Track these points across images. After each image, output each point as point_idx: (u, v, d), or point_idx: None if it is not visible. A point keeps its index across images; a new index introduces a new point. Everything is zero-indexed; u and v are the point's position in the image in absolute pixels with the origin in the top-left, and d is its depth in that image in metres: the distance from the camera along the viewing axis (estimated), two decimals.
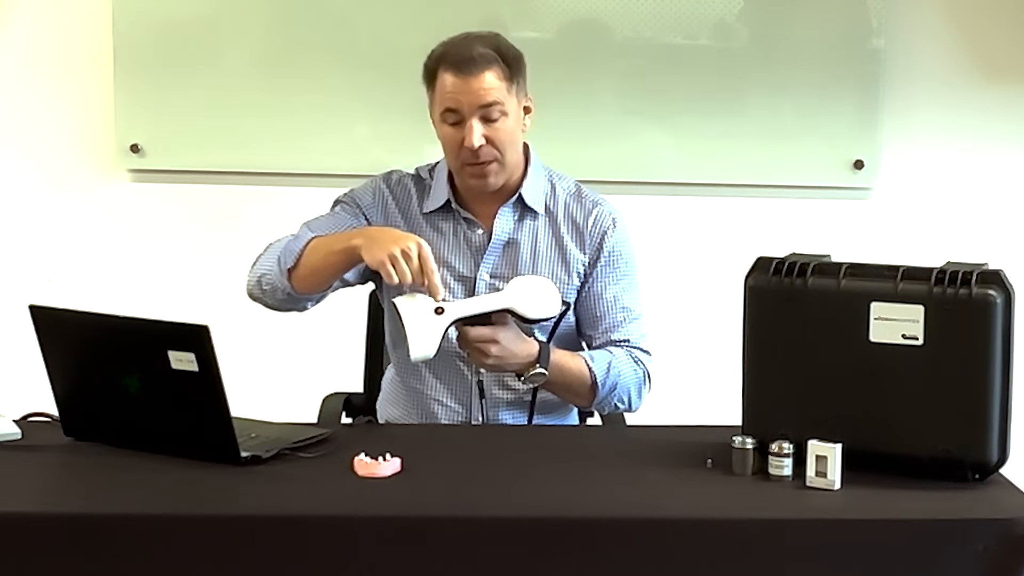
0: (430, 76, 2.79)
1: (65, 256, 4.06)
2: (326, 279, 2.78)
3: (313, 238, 2.77)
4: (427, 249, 2.62)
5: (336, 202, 2.92)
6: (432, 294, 2.60)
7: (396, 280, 2.58)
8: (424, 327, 2.58)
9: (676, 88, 3.99)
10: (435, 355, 2.61)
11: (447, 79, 2.75)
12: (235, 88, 3.98)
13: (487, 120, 2.74)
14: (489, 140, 2.75)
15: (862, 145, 4.00)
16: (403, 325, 2.58)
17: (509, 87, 2.77)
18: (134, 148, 3.99)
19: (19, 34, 3.98)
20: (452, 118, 2.75)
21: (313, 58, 3.98)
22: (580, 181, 2.96)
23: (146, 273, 4.04)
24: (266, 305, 2.86)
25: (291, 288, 2.78)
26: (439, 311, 2.60)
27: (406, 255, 2.60)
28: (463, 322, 2.63)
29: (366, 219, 2.87)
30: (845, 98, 3.99)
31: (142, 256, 4.05)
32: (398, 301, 2.62)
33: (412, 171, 2.93)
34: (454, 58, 2.75)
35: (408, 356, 2.60)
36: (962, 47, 4.02)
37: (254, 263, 2.84)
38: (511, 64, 2.78)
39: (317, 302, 2.86)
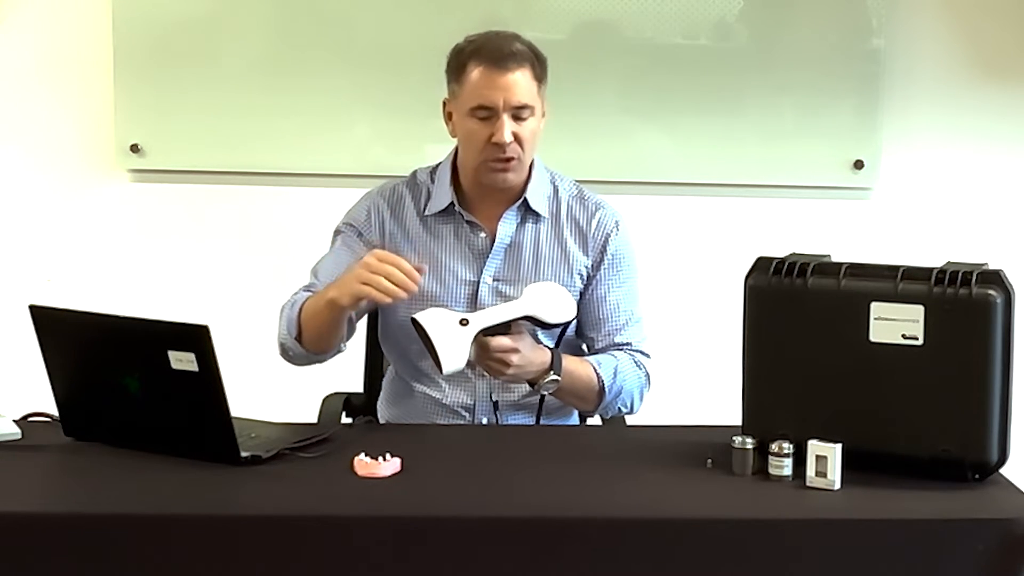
0: (459, 69, 2.78)
1: (65, 256, 4.06)
2: (331, 336, 2.76)
3: (303, 304, 2.76)
4: (382, 252, 2.64)
5: (335, 233, 2.91)
6: (411, 277, 2.59)
7: (387, 299, 2.58)
8: (452, 341, 2.60)
9: (676, 88, 3.99)
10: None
11: (481, 73, 2.74)
12: (235, 88, 3.98)
13: (517, 118, 2.75)
14: (516, 138, 2.75)
15: (862, 145, 4.00)
16: (432, 341, 2.60)
17: (539, 88, 2.78)
18: (134, 148, 3.99)
19: (19, 34, 3.98)
20: (483, 114, 2.75)
21: (313, 58, 3.98)
22: (581, 181, 2.96)
23: (146, 273, 4.04)
24: (301, 366, 2.86)
25: (308, 352, 2.78)
26: (463, 322, 2.61)
27: (370, 268, 2.59)
28: (483, 332, 2.64)
29: (364, 241, 2.86)
30: (845, 98, 4.00)
31: (142, 256, 4.06)
32: (420, 318, 2.63)
33: (408, 175, 2.93)
34: (491, 53, 2.75)
35: (440, 371, 2.61)
36: (962, 47, 4.02)
37: (278, 330, 2.83)
38: (542, 64, 2.80)
39: (346, 341, 2.84)
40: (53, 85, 4.00)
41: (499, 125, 2.73)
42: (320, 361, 2.85)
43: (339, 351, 2.84)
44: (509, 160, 2.76)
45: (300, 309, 2.76)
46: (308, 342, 2.77)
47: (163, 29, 3.96)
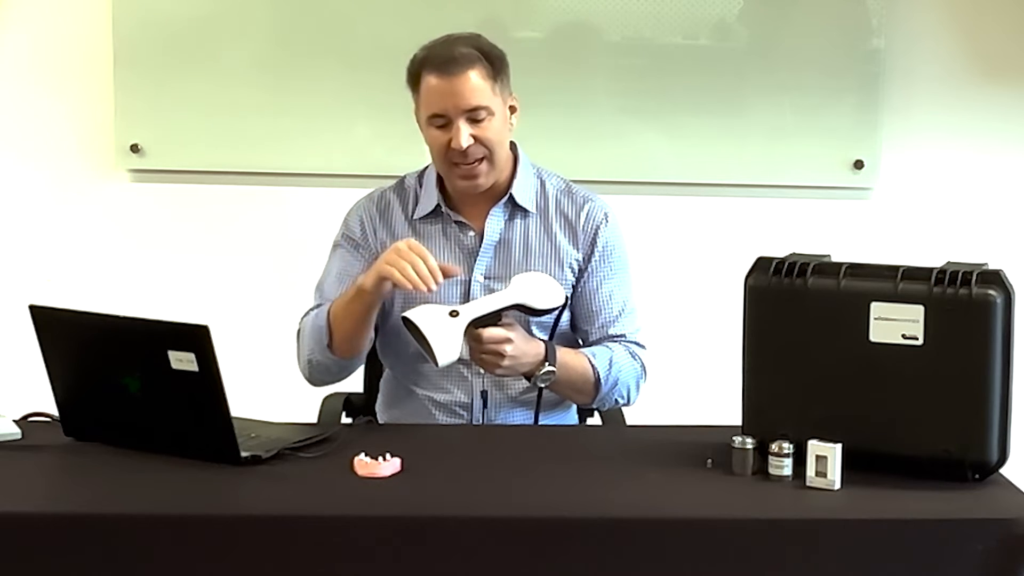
0: (414, 80, 2.79)
1: (65, 256, 4.06)
2: (361, 332, 2.77)
3: (330, 307, 2.78)
4: (413, 241, 2.66)
5: (333, 246, 2.91)
6: (434, 274, 2.61)
7: (408, 285, 2.60)
8: (445, 333, 2.61)
9: (676, 88, 3.99)
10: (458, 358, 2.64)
11: (431, 81, 2.75)
12: (235, 88, 3.98)
13: (473, 121, 2.74)
14: (477, 139, 2.75)
15: (862, 145, 4.00)
16: (424, 336, 2.60)
17: (493, 86, 2.76)
18: (134, 148, 3.99)
19: (19, 34, 3.98)
20: (439, 122, 2.75)
21: (313, 58, 3.98)
22: (580, 181, 2.97)
23: (146, 273, 4.04)
24: (329, 383, 2.89)
25: (339, 359, 2.79)
26: (454, 314, 2.62)
27: (398, 253, 2.62)
28: (474, 324, 2.64)
29: (360, 249, 2.87)
30: (845, 98, 4.00)
31: (142, 256, 4.06)
32: (411, 315, 2.64)
33: (394, 182, 2.93)
34: (436, 60, 2.75)
35: (435, 364, 2.62)
36: (962, 47, 4.02)
37: (297, 353, 2.85)
38: (494, 62, 2.78)
39: (364, 358, 2.88)
40: (53, 85, 4.00)
41: (455, 131, 2.74)
42: (346, 374, 2.86)
43: (361, 361, 2.87)
44: (474, 164, 2.76)
45: (328, 314, 2.77)
46: (339, 345, 2.77)
47: (163, 29, 3.96)
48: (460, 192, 2.83)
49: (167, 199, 4.05)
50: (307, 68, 3.97)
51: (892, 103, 3.99)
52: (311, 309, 2.85)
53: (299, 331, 2.85)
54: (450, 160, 2.77)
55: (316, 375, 2.85)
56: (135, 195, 4.05)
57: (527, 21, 3.95)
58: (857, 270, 2.34)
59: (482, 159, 2.77)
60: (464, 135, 2.73)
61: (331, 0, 3.98)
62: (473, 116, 2.74)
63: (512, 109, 2.83)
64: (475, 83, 2.74)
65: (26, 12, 3.97)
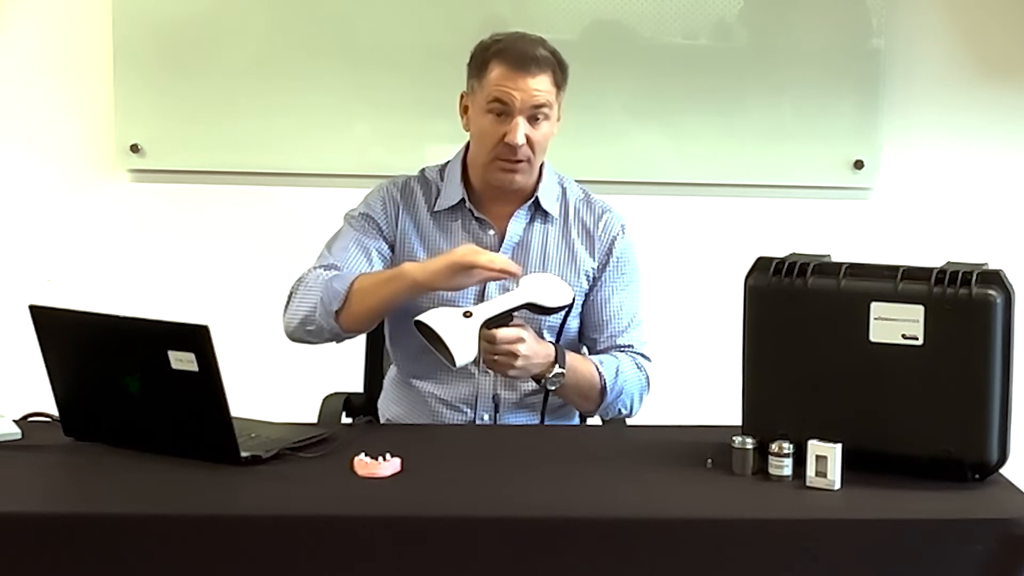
0: (480, 65, 2.79)
1: (65, 256, 4.06)
2: (379, 314, 2.79)
3: (355, 279, 2.75)
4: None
5: (347, 217, 2.90)
6: (509, 272, 2.66)
7: (496, 263, 2.64)
8: (460, 333, 2.62)
9: (676, 88, 3.99)
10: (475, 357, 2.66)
11: (502, 71, 2.75)
12: (235, 88, 3.98)
13: (532, 120, 2.76)
14: (528, 141, 2.77)
15: (862, 145, 4.00)
16: (440, 338, 2.61)
17: (557, 94, 2.81)
18: (134, 148, 3.99)
19: (20, 34, 3.98)
20: (498, 108, 2.76)
21: (313, 58, 3.98)
22: (581, 181, 2.98)
23: (146, 273, 4.04)
24: (308, 343, 2.84)
25: (339, 328, 2.77)
26: (467, 314, 2.64)
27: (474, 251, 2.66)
28: (486, 325, 2.64)
29: (379, 229, 2.86)
30: (845, 98, 3.99)
31: (142, 256, 4.06)
32: (424, 318, 2.64)
33: (416, 173, 2.93)
34: (515, 53, 2.77)
35: (452, 366, 2.62)
36: (962, 47, 4.02)
37: (288, 303, 2.82)
38: (563, 71, 2.82)
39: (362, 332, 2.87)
40: (54, 85, 4.00)
41: (513, 125, 2.75)
42: (332, 341, 2.82)
43: (349, 338, 2.85)
44: (519, 162, 2.78)
45: (351, 285, 2.73)
46: (350, 318, 2.75)
47: (163, 29, 3.96)
48: (494, 185, 2.82)
49: (167, 199, 4.05)
50: (307, 68, 3.97)
51: (892, 103, 4.00)
52: (315, 267, 2.82)
53: (296, 286, 2.81)
54: (496, 153, 2.78)
55: (303, 333, 2.80)
56: (135, 195, 4.05)
57: (527, 22, 3.93)
58: (857, 270, 2.34)
59: (527, 160, 2.78)
60: (521, 132, 2.75)
61: (331, 0, 3.98)
62: (534, 115, 2.76)
63: (557, 118, 2.85)
64: (545, 87, 2.77)
65: (26, 12, 3.97)
